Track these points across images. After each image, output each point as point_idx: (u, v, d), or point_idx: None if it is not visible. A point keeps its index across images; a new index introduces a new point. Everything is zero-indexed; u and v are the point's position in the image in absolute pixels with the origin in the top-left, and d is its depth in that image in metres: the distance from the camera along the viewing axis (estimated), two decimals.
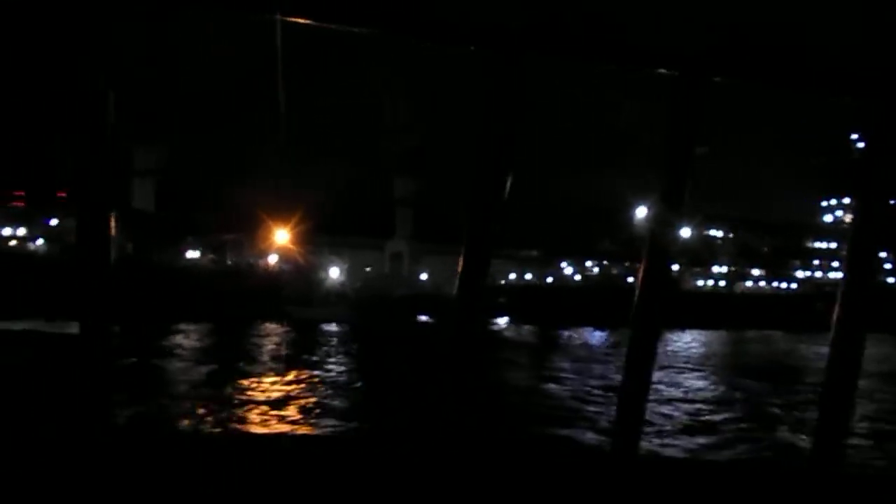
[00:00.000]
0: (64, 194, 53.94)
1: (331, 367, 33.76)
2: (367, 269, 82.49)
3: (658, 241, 2.89)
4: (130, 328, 43.14)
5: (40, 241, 53.00)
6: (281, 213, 64.89)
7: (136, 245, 54.45)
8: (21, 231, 53.02)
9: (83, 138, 2.84)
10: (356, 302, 62.15)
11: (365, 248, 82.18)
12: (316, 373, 30.90)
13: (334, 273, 66.78)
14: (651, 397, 3.00)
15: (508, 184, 2.83)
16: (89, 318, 2.82)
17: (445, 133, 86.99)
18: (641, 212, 60.62)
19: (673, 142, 2.87)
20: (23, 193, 54.71)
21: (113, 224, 2.73)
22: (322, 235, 66.48)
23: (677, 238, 2.98)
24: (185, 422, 22.29)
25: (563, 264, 79.20)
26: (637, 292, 2.89)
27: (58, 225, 52.94)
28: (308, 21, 2.71)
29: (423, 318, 62.93)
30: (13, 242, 52.96)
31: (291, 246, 63.95)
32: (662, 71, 2.86)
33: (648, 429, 17.96)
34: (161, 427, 22.00)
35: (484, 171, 2.83)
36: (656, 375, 2.96)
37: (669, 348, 43.34)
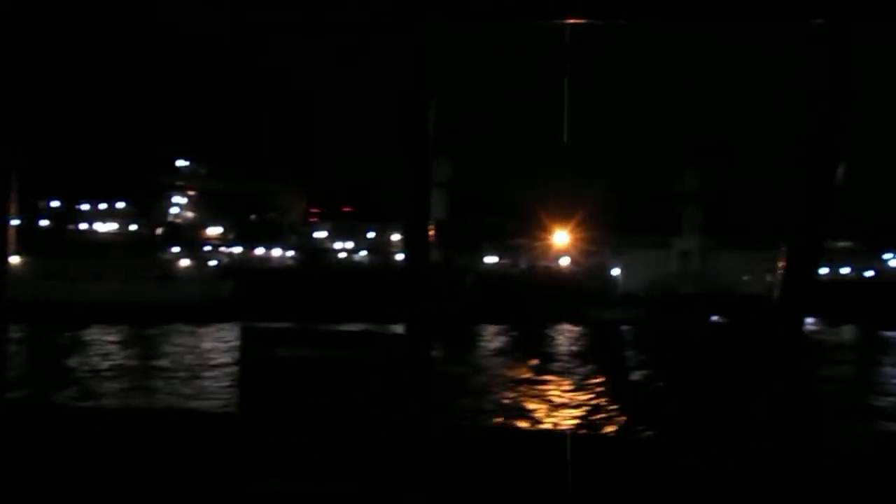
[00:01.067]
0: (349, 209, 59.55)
1: (636, 369, 33.36)
2: (650, 268, 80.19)
3: None
4: (438, 328, 46.21)
5: (363, 252, 58.94)
6: (565, 214, 65.58)
7: (442, 252, 58.24)
8: (349, 244, 59.23)
9: (407, 153, 2.80)
10: (647, 302, 60.89)
11: (649, 247, 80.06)
12: (616, 375, 30.68)
13: (620, 273, 65.92)
14: None
15: (839, 172, 2.36)
16: (414, 320, 2.80)
17: (739, 120, 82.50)
18: None
19: None
20: (350, 210, 60.80)
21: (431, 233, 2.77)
22: (605, 234, 66.03)
23: None
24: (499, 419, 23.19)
25: (888, 256, 70.68)
26: None
27: (375, 237, 58.61)
28: (587, 20, 2.46)
29: (716, 317, 59.96)
30: (343, 254, 59.23)
31: (577, 247, 64.32)
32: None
33: None
34: (479, 424, 23.11)
35: (813, 158, 2.36)
36: None
37: None
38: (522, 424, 22.43)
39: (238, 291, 49.19)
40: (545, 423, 22.96)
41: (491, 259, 60.33)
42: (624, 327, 50.68)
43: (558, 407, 24.94)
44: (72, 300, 45.90)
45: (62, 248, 51.34)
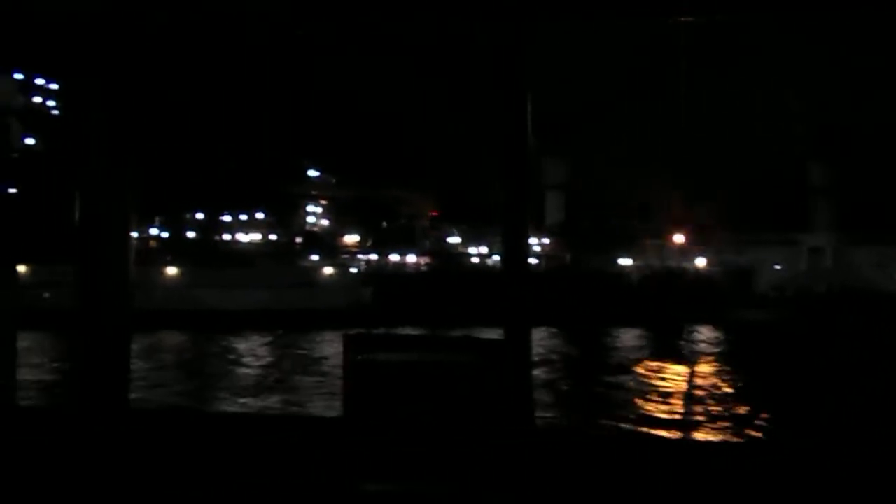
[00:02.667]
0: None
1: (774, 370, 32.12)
2: (777, 266, 77.17)
3: None
4: (572, 332, 45.85)
5: (497, 257, 59.36)
6: (690, 213, 63.80)
7: (573, 255, 57.84)
8: (483, 248, 59.48)
9: (505, 156, 2.75)
10: (780, 302, 58.63)
11: (777, 244, 77.13)
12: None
13: (752, 272, 63.71)
14: None
15: None
16: (513, 324, 2.79)
17: (870, 111, 78.53)
18: None
19: None
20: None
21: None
22: (732, 233, 63.96)
23: None
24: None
25: None
26: None
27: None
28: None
29: (854, 317, 57.17)
30: (475, 259, 59.57)
31: (706, 246, 62.47)
32: None
33: None
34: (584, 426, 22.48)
35: None
36: None
37: None
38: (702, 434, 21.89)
39: (378, 297, 50.04)
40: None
41: (624, 261, 59.36)
42: (769, 328, 48.90)
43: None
44: (221, 308, 47.64)
45: (209, 258, 53.42)
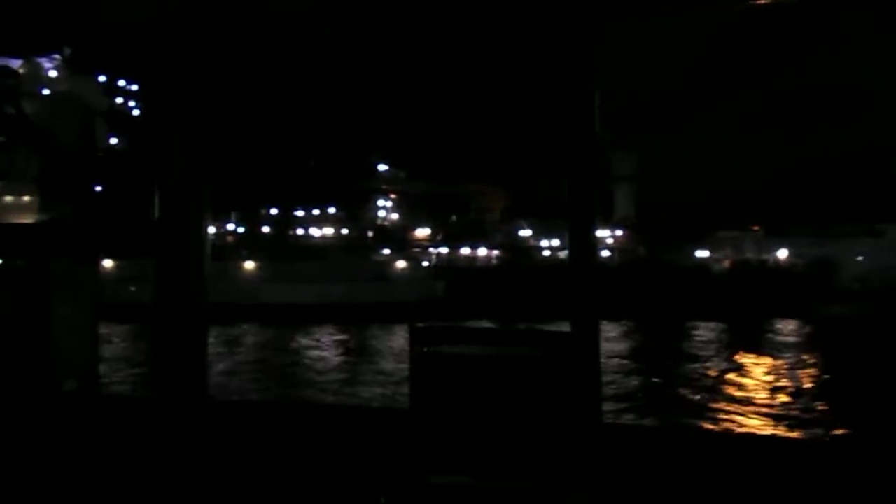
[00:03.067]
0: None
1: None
2: (860, 258, 74.30)
3: None
4: (649, 326, 44.95)
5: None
6: (766, 204, 61.89)
7: (648, 248, 56.76)
8: (555, 242, 58.97)
9: (572, 146, 2.72)
10: (865, 295, 56.32)
11: (857, 235, 74.29)
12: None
13: (834, 265, 61.42)
14: None
15: None
16: (581, 318, 2.74)
17: None
18: None
19: None
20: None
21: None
22: (811, 223, 61.86)
23: None
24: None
25: None
26: None
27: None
28: None
29: None
30: (546, 253, 59.08)
31: (784, 238, 60.56)
32: None
33: None
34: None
35: None
36: None
37: None
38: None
39: (451, 291, 50.02)
40: None
41: (701, 253, 57.88)
42: (854, 323, 47.08)
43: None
44: (297, 302, 48.31)
45: (284, 253, 54.25)
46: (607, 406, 23.93)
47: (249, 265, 52.53)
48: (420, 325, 2.96)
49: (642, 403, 24.67)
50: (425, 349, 2.87)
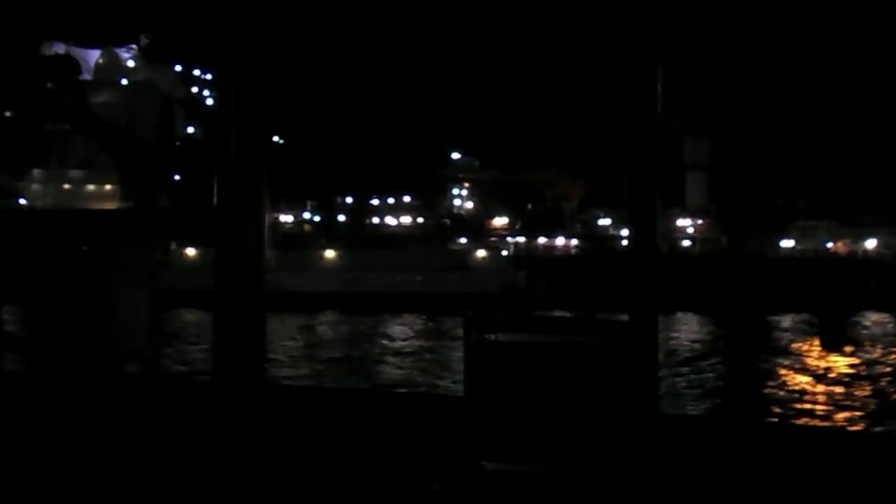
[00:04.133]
0: None
1: None
2: None
3: None
4: (729, 317, 43.92)
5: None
6: (853, 193, 59.94)
7: (730, 237, 55.45)
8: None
9: (632, 133, 2.65)
10: None
11: None
12: None
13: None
14: None
15: None
16: (639, 307, 2.71)
17: None
18: None
19: None
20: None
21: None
22: (873, 214, 59.71)
23: None
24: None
25: None
26: None
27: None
28: None
29: None
30: (626, 242, 58.01)
31: (876, 228, 58.57)
32: None
33: None
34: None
35: None
36: None
37: None
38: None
39: (532, 281, 49.56)
40: None
41: (787, 243, 56.31)
42: None
43: None
44: (377, 291, 48.38)
45: (361, 242, 54.39)
46: (681, 397, 23.64)
47: (330, 254, 52.75)
48: (474, 312, 2.96)
49: (712, 395, 24.24)
50: (477, 336, 2.86)
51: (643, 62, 2.75)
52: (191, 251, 52.93)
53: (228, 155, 2.92)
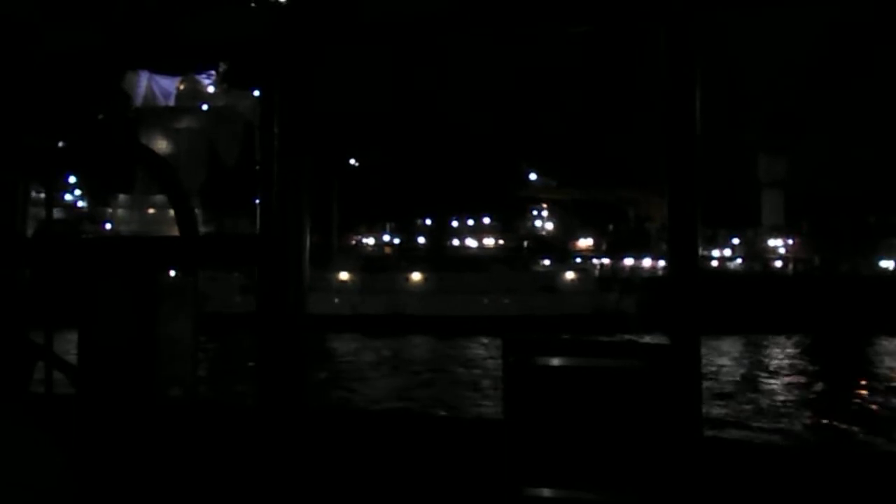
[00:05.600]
0: None
1: None
2: None
3: None
4: (823, 341, 42.37)
5: (738, 260, 56.84)
6: None
7: (824, 256, 53.80)
8: (726, 252, 57.04)
9: (670, 149, 2.66)
10: None
11: None
12: None
13: None
14: None
15: None
16: (679, 331, 2.75)
17: None
18: None
19: None
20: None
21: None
22: None
23: None
24: None
25: None
26: None
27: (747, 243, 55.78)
28: None
29: None
30: (714, 263, 57.13)
31: None
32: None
33: None
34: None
35: None
36: None
37: None
38: None
39: (622, 302, 48.60)
40: None
41: (887, 263, 54.45)
42: None
43: None
44: (466, 314, 47.78)
45: (443, 263, 53.96)
46: (741, 422, 22.74)
47: (416, 276, 52.41)
48: (512, 336, 2.96)
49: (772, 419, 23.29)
50: (514, 360, 2.87)
51: (680, 73, 2.71)
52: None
53: (269, 175, 2.96)
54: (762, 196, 70.04)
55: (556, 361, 2.86)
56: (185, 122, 59.40)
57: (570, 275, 51.77)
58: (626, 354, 2.85)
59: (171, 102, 61.23)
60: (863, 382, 30.62)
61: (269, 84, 3.00)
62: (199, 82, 62.85)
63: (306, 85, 3.01)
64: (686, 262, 2.79)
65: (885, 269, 54.55)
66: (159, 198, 63.75)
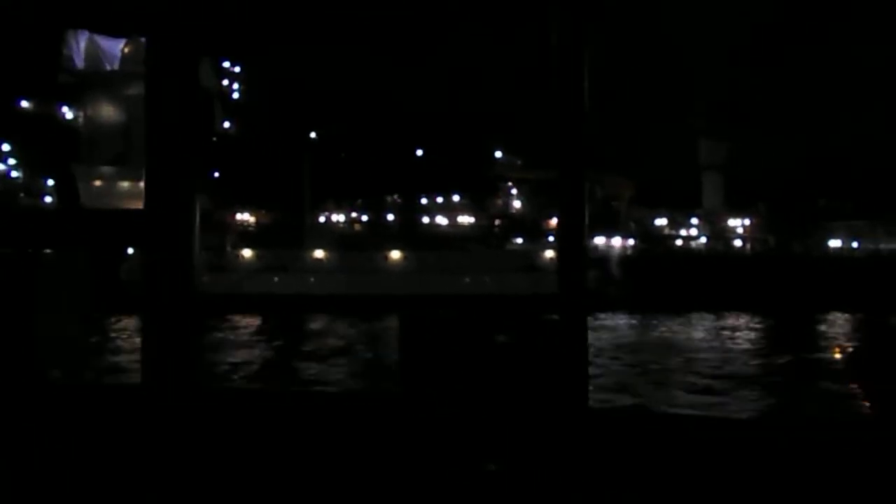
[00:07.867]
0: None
1: None
2: None
3: None
4: (782, 320, 44.59)
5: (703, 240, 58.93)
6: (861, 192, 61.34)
7: (777, 237, 56.39)
8: (692, 232, 58.37)
9: (560, 138, 2.76)
10: None
11: None
12: None
13: None
14: None
15: None
16: (567, 306, 2.84)
17: None
18: None
19: None
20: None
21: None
22: None
23: None
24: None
25: None
26: None
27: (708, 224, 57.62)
28: None
29: None
30: (679, 242, 58.71)
31: None
32: None
33: None
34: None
35: None
36: None
37: None
38: None
39: (600, 281, 49.59)
40: None
41: (834, 243, 57.52)
42: None
43: None
44: (447, 294, 47.61)
45: (416, 242, 53.54)
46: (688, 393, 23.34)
47: (395, 255, 51.83)
48: (409, 313, 3.13)
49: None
50: (408, 336, 2.99)
51: (569, 57, 2.75)
52: (247, 253, 51.52)
53: (154, 153, 2.90)
54: (703, 178, 72.27)
55: (443, 337, 3.05)
56: (132, 89, 56.35)
57: (550, 254, 52.38)
58: (514, 328, 3.08)
59: (117, 66, 57.96)
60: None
61: (156, 58, 2.95)
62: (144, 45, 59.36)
63: (191, 62, 2.98)
64: (573, 243, 2.96)
65: (834, 249, 57.69)
66: (107, 169, 60.35)
